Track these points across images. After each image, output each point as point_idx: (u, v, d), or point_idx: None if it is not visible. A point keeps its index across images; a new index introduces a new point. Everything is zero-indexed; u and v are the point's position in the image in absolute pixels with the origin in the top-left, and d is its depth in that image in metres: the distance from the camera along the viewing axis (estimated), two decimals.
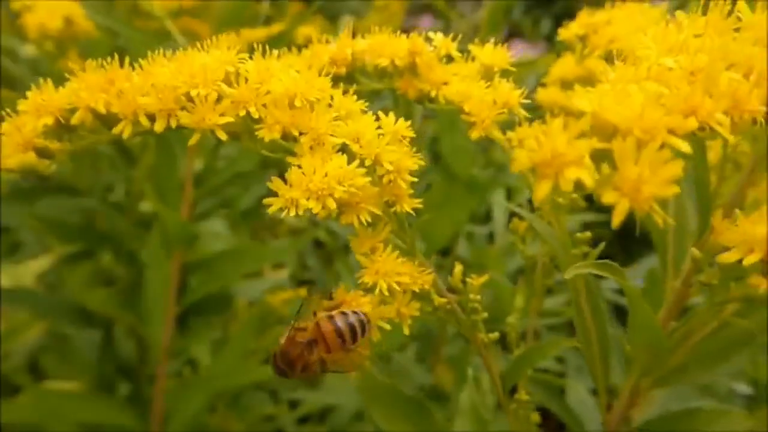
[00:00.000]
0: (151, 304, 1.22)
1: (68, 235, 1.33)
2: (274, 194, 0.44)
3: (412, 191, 0.46)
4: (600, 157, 0.33)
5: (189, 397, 1.22)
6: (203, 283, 1.29)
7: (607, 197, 0.31)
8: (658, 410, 0.65)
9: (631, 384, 0.57)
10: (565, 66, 0.77)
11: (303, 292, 1.37)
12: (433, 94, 0.53)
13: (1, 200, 1.29)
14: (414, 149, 0.45)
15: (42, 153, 0.44)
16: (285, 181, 0.43)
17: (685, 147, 0.32)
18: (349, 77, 0.55)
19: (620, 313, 0.64)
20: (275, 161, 0.45)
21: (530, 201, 1.17)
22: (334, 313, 0.47)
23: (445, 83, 0.53)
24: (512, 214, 1.74)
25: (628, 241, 0.68)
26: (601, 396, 0.62)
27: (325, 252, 1.93)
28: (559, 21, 1.21)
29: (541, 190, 0.32)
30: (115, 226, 1.34)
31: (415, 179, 0.45)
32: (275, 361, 0.49)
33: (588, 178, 0.32)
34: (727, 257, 0.35)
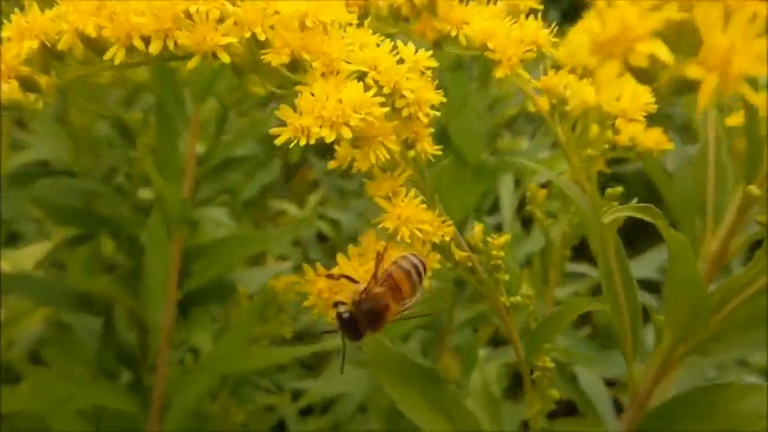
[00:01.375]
0: (151, 286, 1.18)
1: (68, 218, 1.30)
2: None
3: (432, 130, 0.43)
4: (672, 39, 0.29)
5: (190, 383, 1.18)
6: (204, 268, 1.26)
7: (692, 72, 0.27)
8: (683, 387, 0.61)
9: (664, 351, 0.53)
10: (585, 26, 0.73)
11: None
12: (453, 33, 0.49)
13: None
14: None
15: (27, 84, 0.40)
16: None
17: None
18: (361, 19, 0.51)
19: None
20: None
21: (543, 185, 1.13)
22: (397, 259, 0.44)
23: (466, 23, 0.49)
24: (522, 201, 1.70)
25: (633, 235, 0.63)
26: (629, 369, 0.58)
27: (328, 245, 1.90)
28: (566, 15, 1.18)
29: (609, 71, 0.28)
30: (116, 209, 1.31)
31: (437, 113, 0.41)
32: (356, 322, 0.45)
33: (664, 51, 0.27)
34: None
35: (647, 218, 0.40)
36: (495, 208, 1.69)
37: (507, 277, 0.53)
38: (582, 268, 1.52)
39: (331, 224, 1.83)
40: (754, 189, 0.38)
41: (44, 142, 1.35)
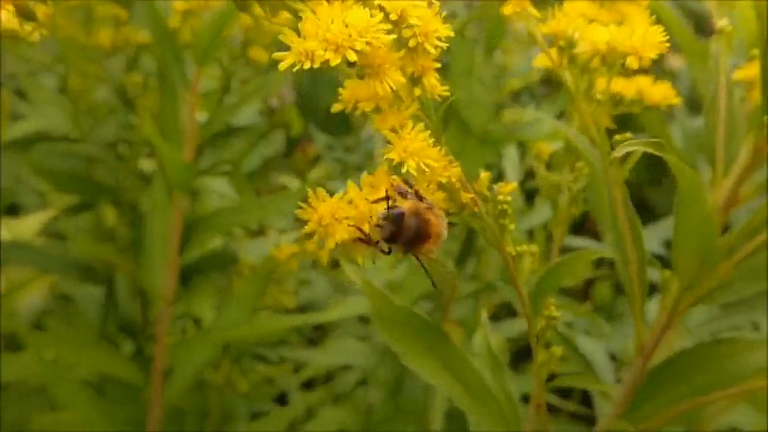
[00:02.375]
0: (152, 252, 1.18)
1: (67, 184, 1.30)
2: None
3: (438, 65, 0.42)
4: None
5: (192, 352, 1.18)
6: (206, 236, 1.25)
7: None
8: (686, 343, 0.61)
9: (671, 302, 0.52)
10: None
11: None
12: None
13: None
14: None
15: (23, 12, 0.39)
16: None
17: None
18: None
19: None
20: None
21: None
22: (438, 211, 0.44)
23: None
24: (527, 173, 1.69)
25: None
26: (635, 320, 0.57)
27: None
28: None
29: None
30: (117, 177, 1.31)
31: (444, 45, 0.40)
32: (404, 224, 0.42)
33: None
34: None
35: (657, 152, 0.39)
36: (499, 181, 1.68)
37: (513, 226, 0.52)
38: (583, 242, 1.51)
39: None
40: None
41: (44, 111, 1.34)
